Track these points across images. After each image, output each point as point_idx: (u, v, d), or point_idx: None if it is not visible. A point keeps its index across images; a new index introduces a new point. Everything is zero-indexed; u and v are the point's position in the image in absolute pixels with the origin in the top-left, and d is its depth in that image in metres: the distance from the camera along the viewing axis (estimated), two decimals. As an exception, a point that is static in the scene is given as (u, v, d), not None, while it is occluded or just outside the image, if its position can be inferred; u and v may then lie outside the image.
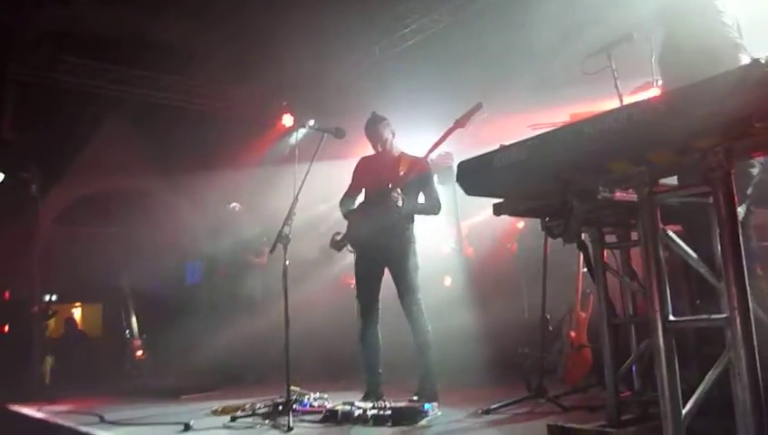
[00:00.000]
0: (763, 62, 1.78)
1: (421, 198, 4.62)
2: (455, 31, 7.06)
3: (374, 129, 4.75)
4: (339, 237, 4.70)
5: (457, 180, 2.58)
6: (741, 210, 2.84)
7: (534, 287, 4.74)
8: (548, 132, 2.34)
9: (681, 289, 3.48)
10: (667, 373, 2.10)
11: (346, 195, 4.88)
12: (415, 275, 4.51)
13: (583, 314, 4.58)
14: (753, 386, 1.88)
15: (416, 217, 4.67)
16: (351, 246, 4.69)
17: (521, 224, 6.24)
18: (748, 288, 1.94)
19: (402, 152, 4.75)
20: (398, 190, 4.39)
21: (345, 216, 4.81)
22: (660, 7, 3.23)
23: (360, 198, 4.86)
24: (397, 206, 4.38)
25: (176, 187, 8.41)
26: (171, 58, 8.28)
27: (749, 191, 2.84)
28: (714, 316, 2.07)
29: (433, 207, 4.64)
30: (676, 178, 2.65)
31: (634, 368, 3.34)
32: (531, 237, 5.81)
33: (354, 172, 4.94)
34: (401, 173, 4.49)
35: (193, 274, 8.83)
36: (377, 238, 4.52)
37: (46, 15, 7.24)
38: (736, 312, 1.92)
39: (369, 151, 4.85)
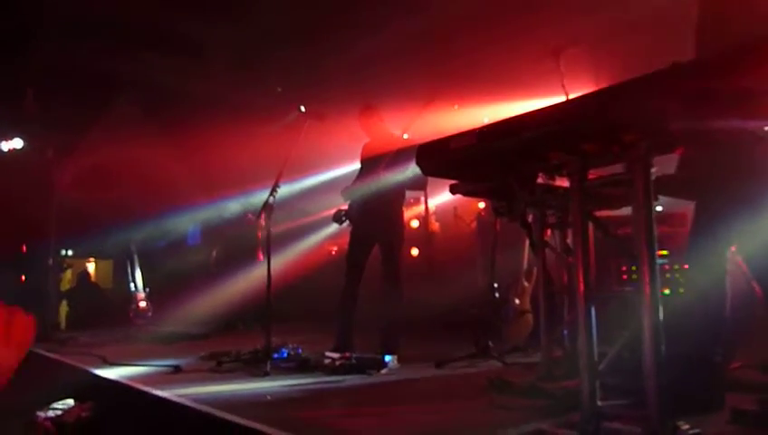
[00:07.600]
0: (679, 65, 1.77)
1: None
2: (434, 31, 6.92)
3: (363, 118, 4.73)
4: (342, 214, 4.68)
5: (417, 161, 2.55)
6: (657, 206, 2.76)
7: (488, 259, 4.75)
8: (497, 121, 2.31)
9: (611, 266, 3.53)
10: (586, 336, 2.11)
11: (354, 181, 4.76)
12: (398, 245, 4.50)
13: (527, 284, 4.60)
14: (655, 348, 1.90)
15: (406, 194, 4.61)
16: (349, 220, 4.67)
17: (481, 205, 6.24)
18: (657, 266, 1.95)
19: (391, 133, 4.70)
20: (382, 161, 4.36)
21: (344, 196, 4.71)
22: None
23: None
24: (380, 175, 4.35)
25: (178, 158, 8.35)
26: (187, 47, 8.11)
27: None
28: (626, 289, 2.09)
29: (417, 181, 4.41)
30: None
31: (565, 332, 3.37)
32: (489, 216, 5.81)
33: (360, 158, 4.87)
34: (387, 150, 4.44)
35: (193, 236, 8.79)
36: (368, 214, 4.49)
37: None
38: (645, 285, 1.93)
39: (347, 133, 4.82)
